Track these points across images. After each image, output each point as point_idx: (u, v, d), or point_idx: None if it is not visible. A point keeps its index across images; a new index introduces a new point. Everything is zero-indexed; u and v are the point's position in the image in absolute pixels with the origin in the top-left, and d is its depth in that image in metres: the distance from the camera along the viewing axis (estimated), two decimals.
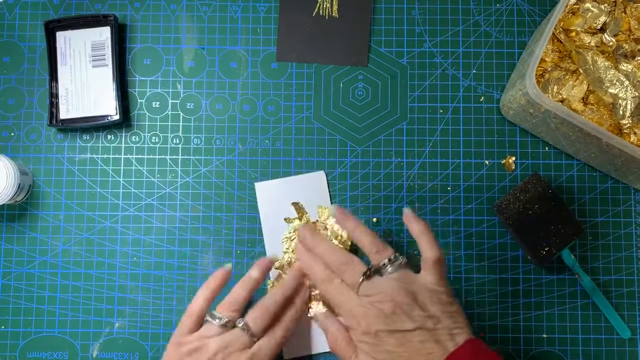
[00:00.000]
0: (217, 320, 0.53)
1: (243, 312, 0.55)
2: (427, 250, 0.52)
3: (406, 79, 0.65)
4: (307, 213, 0.62)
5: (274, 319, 0.54)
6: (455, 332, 0.49)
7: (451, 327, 0.49)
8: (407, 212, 0.55)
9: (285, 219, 0.62)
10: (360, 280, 0.51)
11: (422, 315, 0.49)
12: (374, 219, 0.63)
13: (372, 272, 0.52)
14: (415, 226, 0.53)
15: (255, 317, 0.53)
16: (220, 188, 0.63)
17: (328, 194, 0.63)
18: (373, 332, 0.49)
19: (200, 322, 0.54)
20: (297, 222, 0.62)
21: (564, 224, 0.59)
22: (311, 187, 0.63)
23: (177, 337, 0.53)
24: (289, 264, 0.61)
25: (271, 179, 0.63)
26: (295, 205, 0.62)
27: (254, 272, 0.56)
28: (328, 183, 0.63)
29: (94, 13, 0.65)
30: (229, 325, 0.53)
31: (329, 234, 0.61)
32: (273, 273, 0.61)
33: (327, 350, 0.60)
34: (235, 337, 0.52)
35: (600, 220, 0.63)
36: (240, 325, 0.53)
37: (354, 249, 0.61)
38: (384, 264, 0.52)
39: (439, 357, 0.47)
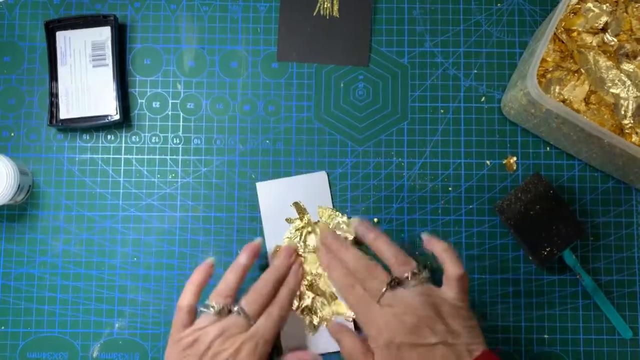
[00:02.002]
0: (212, 309, 0.53)
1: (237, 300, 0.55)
2: (451, 266, 0.52)
3: (407, 79, 0.64)
4: (308, 213, 0.62)
5: (268, 300, 0.55)
6: (473, 347, 0.49)
7: (470, 342, 0.49)
8: (426, 236, 0.55)
9: (286, 219, 0.62)
10: (384, 290, 0.51)
11: (444, 330, 0.49)
12: (375, 220, 0.62)
13: (396, 283, 0.51)
14: (437, 245, 0.53)
15: (249, 300, 0.54)
16: (221, 188, 0.63)
17: (329, 194, 0.63)
18: (396, 344, 0.49)
19: (192, 316, 0.54)
20: (298, 222, 0.62)
21: (566, 224, 0.59)
22: (313, 187, 0.63)
23: (174, 335, 0.53)
24: None
25: (272, 179, 0.63)
26: (296, 205, 0.62)
27: (241, 258, 0.57)
28: (330, 183, 0.63)
29: (94, 13, 0.64)
30: (223, 312, 0.53)
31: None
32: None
33: (327, 351, 0.60)
34: (232, 321, 0.53)
35: (602, 220, 0.63)
36: (235, 309, 0.53)
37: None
38: (407, 277, 0.51)
39: None
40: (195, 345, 0.51)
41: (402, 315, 0.49)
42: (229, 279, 0.55)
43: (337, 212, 0.62)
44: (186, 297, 0.54)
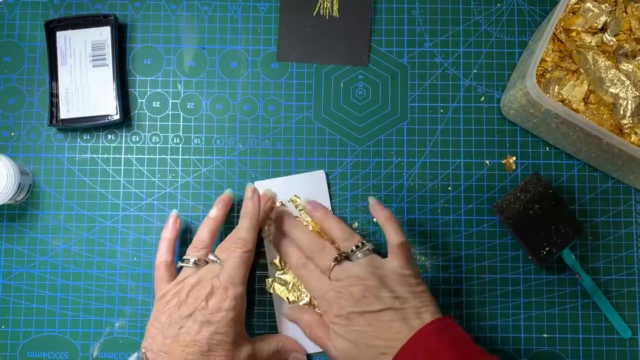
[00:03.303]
0: (189, 262, 0.56)
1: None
2: (392, 235, 0.55)
3: (407, 79, 0.65)
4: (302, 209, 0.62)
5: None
6: (422, 310, 0.51)
7: (418, 306, 0.51)
8: (372, 201, 0.58)
9: (290, 200, 0.62)
10: (332, 265, 0.54)
11: (390, 296, 0.51)
12: (374, 219, 0.63)
13: (343, 257, 0.55)
14: (380, 213, 0.57)
15: (220, 247, 0.56)
16: (221, 188, 0.63)
17: (328, 193, 0.63)
18: (344, 314, 0.52)
19: (170, 271, 0.57)
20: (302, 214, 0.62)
21: (565, 223, 0.59)
22: (311, 186, 0.63)
23: (157, 293, 0.56)
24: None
25: (270, 179, 0.63)
26: (293, 201, 0.62)
27: (212, 212, 0.59)
28: (328, 182, 0.63)
29: (94, 13, 0.64)
30: (200, 263, 0.56)
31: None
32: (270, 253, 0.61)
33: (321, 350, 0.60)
34: (208, 269, 0.55)
35: (601, 220, 0.63)
36: (210, 258, 0.56)
37: None
38: (353, 250, 0.55)
39: (406, 334, 0.49)
40: (176, 297, 0.54)
41: (349, 287, 0.52)
42: (201, 233, 0.58)
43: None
44: (161, 254, 0.58)
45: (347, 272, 0.53)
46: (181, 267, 0.57)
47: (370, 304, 0.51)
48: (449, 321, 0.51)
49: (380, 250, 0.60)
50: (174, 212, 0.60)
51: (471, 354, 0.49)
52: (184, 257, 0.57)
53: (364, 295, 0.51)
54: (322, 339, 0.54)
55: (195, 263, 0.56)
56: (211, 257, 0.56)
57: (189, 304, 0.53)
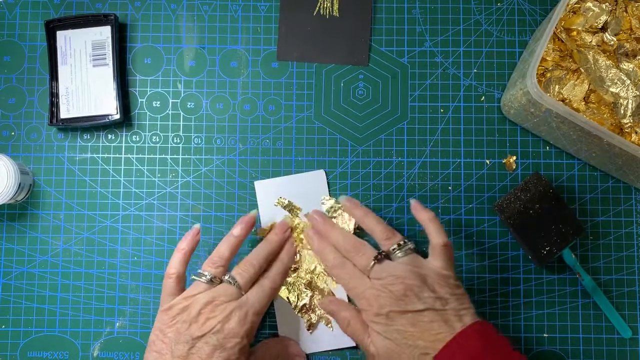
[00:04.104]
0: (203, 278, 0.54)
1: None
2: (435, 236, 0.54)
3: (407, 78, 0.64)
4: (300, 212, 0.62)
5: (260, 272, 0.56)
6: (462, 313, 0.51)
7: (458, 308, 0.51)
8: (413, 202, 0.57)
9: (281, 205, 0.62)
10: (372, 264, 0.53)
11: (431, 296, 0.51)
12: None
13: (383, 256, 0.54)
14: (423, 214, 0.56)
15: (240, 270, 0.55)
16: (221, 187, 0.63)
17: (328, 192, 0.63)
18: (385, 313, 0.51)
19: (181, 284, 0.55)
20: (297, 219, 0.62)
21: (565, 223, 0.59)
22: (311, 185, 0.63)
23: (163, 304, 0.54)
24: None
25: (270, 178, 0.63)
26: (289, 205, 0.62)
27: (235, 230, 0.58)
28: (328, 182, 0.63)
29: (95, 12, 0.65)
30: (215, 281, 0.55)
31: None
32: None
33: (325, 349, 0.60)
34: (223, 289, 0.54)
35: (601, 219, 0.63)
36: (226, 278, 0.54)
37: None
38: (394, 249, 0.54)
39: (448, 335, 0.49)
40: (185, 312, 0.52)
41: (390, 286, 0.51)
42: (222, 249, 0.56)
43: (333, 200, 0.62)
44: (174, 265, 0.55)
45: (388, 271, 0.52)
46: (192, 280, 0.56)
47: (412, 303, 0.50)
48: (488, 325, 0.50)
49: (422, 249, 0.59)
50: (198, 226, 0.58)
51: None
52: (200, 271, 0.55)
53: (405, 294, 0.51)
54: (359, 335, 0.53)
55: (210, 280, 0.54)
56: (228, 277, 0.54)
57: (200, 324, 0.51)
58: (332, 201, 0.61)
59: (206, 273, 0.55)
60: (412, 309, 0.50)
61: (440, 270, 0.53)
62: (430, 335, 0.49)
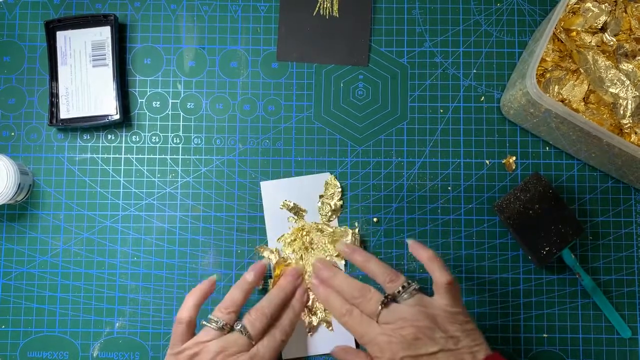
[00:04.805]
0: (214, 324, 0.53)
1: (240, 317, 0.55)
2: (439, 275, 0.53)
3: (406, 79, 0.65)
4: (303, 211, 0.62)
5: (271, 321, 0.55)
6: (475, 349, 0.50)
7: (471, 345, 0.50)
8: (411, 242, 0.56)
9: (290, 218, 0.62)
10: (379, 309, 0.52)
11: (443, 337, 0.50)
12: (375, 219, 0.63)
13: (390, 300, 0.53)
14: (423, 253, 0.54)
15: (252, 319, 0.54)
16: (221, 188, 0.63)
17: None
18: (398, 359, 0.50)
19: (192, 329, 0.54)
20: (302, 222, 0.62)
21: (565, 223, 0.59)
22: (316, 188, 0.63)
23: (173, 348, 0.53)
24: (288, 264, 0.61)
25: (275, 179, 0.63)
26: (294, 208, 0.62)
27: (248, 275, 0.57)
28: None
29: (94, 13, 0.65)
30: (226, 329, 0.53)
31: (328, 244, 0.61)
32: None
33: (325, 352, 0.60)
34: (234, 339, 0.53)
35: (601, 220, 0.63)
36: (238, 328, 0.53)
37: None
38: (399, 291, 0.53)
39: None
40: (195, 358, 0.52)
41: (401, 330, 0.50)
42: (235, 295, 0.55)
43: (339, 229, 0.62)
44: (186, 310, 0.54)
45: (396, 314, 0.51)
46: (202, 325, 0.55)
47: (424, 346, 0.49)
48: (499, 356, 0.50)
49: (425, 286, 0.60)
50: (214, 278, 0.58)
51: None
52: (210, 316, 0.54)
53: (416, 337, 0.50)
54: None
55: (221, 327, 0.53)
56: (239, 327, 0.53)
57: None
58: (338, 245, 0.60)
59: (217, 319, 0.54)
60: (425, 352, 0.49)
61: (448, 308, 0.52)
62: None
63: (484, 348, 0.50)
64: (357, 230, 0.62)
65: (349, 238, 0.60)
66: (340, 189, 0.62)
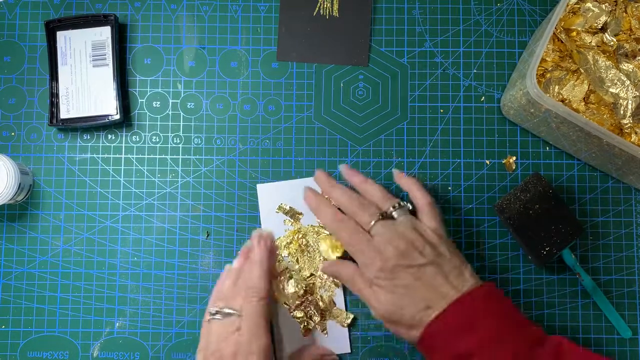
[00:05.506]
0: (211, 314, 0.54)
1: None
2: (420, 197, 0.56)
3: (407, 79, 0.65)
4: (301, 217, 0.62)
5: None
6: (462, 268, 0.52)
7: (458, 264, 0.52)
8: (395, 171, 0.59)
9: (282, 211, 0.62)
10: (374, 221, 0.54)
11: (432, 252, 0.52)
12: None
13: (385, 215, 0.55)
14: (405, 180, 0.58)
15: (229, 297, 0.55)
16: (221, 188, 0.63)
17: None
18: (389, 267, 0.52)
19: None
20: (298, 224, 0.62)
21: (565, 223, 0.59)
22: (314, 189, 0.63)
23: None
24: (287, 269, 0.61)
25: (273, 181, 0.63)
26: (290, 210, 0.62)
27: (236, 262, 0.57)
28: None
29: (95, 13, 0.65)
30: (223, 314, 0.54)
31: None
32: None
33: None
34: (227, 322, 0.53)
35: (601, 220, 0.63)
36: (226, 310, 0.54)
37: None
38: (394, 207, 0.55)
39: (450, 290, 0.50)
40: (209, 347, 0.53)
41: (393, 241, 0.52)
42: (222, 283, 0.56)
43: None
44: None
45: (389, 228, 0.53)
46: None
47: (415, 258, 0.52)
48: (496, 289, 0.52)
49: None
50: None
51: (515, 321, 0.50)
52: (211, 309, 0.54)
53: (408, 249, 0.52)
54: (363, 291, 0.54)
55: (213, 315, 0.54)
56: (226, 310, 0.54)
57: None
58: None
59: (211, 309, 0.54)
60: (415, 263, 0.51)
61: (436, 230, 0.54)
62: (433, 289, 0.51)
63: (469, 269, 0.52)
64: None
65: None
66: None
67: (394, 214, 0.55)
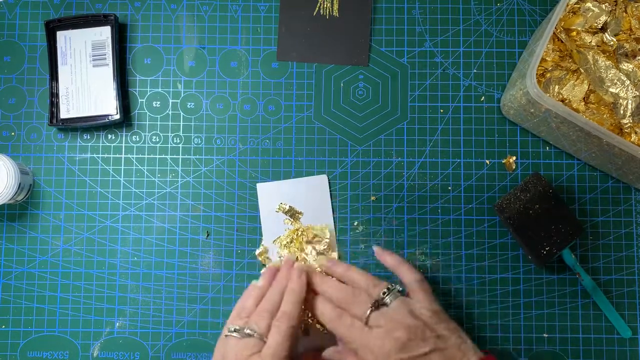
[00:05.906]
0: (229, 332, 0.53)
1: None
2: (408, 275, 0.54)
3: (407, 79, 0.65)
4: (300, 216, 0.62)
5: (275, 312, 0.54)
6: (462, 347, 0.50)
7: (458, 343, 0.50)
8: (376, 249, 0.58)
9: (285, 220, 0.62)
10: (369, 312, 0.52)
11: (433, 336, 0.50)
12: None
13: (378, 303, 0.53)
14: (389, 259, 0.56)
15: (256, 319, 0.53)
16: (221, 188, 0.63)
17: (329, 197, 0.63)
18: None
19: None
20: (297, 223, 0.62)
21: (565, 223, 0.59)
22: (313, 190, 0.63)
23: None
24: None
25: (273, 180, 0.63)
26: (290, 210, 0.62)
27: (261, 281, 0.56)
28: (330, 183, 0.63)
29: (95, 12, 0.65)
30: (242, 334, 0.53)
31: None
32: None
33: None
34: (246, 343, 0.52)
35: (601, 219, 0.63)
36: (246, 331, 0.53)
37: None
38: (385, 293, 0.53)
39: None
40: None
41: (392, 332, 0.50)
42: (248, 301, 0.55)
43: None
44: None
45: (386, 317, 0.51)
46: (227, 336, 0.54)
47: (417, 347, 0.50)
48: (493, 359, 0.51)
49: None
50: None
51: None
52: (228, 325, 0.53)
53: (409, 339, 0.50)
54: None
55: (234, 331, 0.53)
56: (247, 330, 0.52)
57: None
58: (319, 259, 0.60)
59: (230, 327, 0.53)
60: (417, 353, 0.49)
61: (430, 307, 0.52)
62: None
63: (470, 345, 0.51)
64: (356, 223, 0.62)
65: (327, 236, 0.60)
66: (327, 240, 0.61)
67: (386, 299, 0.53)
